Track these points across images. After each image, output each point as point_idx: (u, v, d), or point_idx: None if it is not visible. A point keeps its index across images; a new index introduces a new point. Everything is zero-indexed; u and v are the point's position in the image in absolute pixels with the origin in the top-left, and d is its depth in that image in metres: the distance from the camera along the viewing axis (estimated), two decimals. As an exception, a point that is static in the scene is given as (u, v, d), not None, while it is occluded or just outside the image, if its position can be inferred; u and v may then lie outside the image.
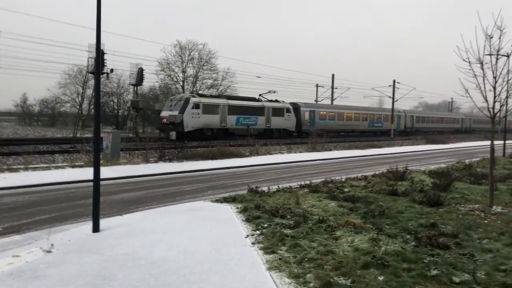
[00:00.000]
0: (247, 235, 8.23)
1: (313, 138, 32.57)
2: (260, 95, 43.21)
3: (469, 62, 10.93)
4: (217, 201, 11.75)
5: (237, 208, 10.64)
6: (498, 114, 11.49)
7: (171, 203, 11.70)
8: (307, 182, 14.19)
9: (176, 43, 54.12)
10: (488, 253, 7.38)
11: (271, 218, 9.43)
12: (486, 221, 9.73)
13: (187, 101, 33.92)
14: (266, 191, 12.69)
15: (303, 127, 44.35)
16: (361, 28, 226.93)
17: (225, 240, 7.92)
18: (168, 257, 6.87)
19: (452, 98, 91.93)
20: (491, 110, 11.29)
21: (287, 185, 14.01)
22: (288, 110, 42.68)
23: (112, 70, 36.42)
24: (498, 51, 10.87)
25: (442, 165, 21.48)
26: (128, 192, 13.38)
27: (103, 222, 8.80)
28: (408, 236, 8.23)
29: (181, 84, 55.06)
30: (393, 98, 55.16)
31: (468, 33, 10.99)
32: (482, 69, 10.93)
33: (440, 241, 7.74)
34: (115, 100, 58.45)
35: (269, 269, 6.37)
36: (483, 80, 11.00)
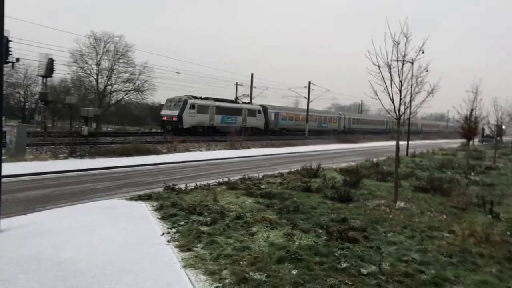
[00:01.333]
0: (163, 233, 8.04)
1: (232, 136, 32.77)
2: (236, 98, 50.45)
3: (379, 66, 11.63)
4: (131, 199, 11.35)
5: (153, 206, 10.36)
6: (402, 116, 12.34)
7: (81, 202, 11.10)
8: (225, 179, 14.22)
9: (90, 34, 51.34)
10: (392, 246, 7.90)
11: (188, 215, 9.32)
12: (391, 216, 10.41)
13: (185, 102, 39.29)
14: (183, 188, 12.50)
15: (270, 126, 50.55)
16: (282, 30, 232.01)
17: (139, 239, 7.67)
18: (77, 258, 6.48)
19: (362, 100, 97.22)
20: (397, 111, 12.10)
21: (205, 182, 13.92)
22: (259, 112, 48.89)
23: (18, 59, 34.02)
24: (404, 56, 11.68)
25: (352, 163, 22.62)
26: (34, 190, 12.48)
27: (5, 222, 8.12)
28: (320, 231, 8.56)
29: (95, 77, 52.47)
30: (308, 99, 57.20)
31: (379, 39, 11.69)
32: (390, 73, 11.68)
33: (350, 235, 8.15)
34: (22, 92, 54.20)
35: (185, 266, 6.28)
36: (391, 83, 11.76)
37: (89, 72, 52.72)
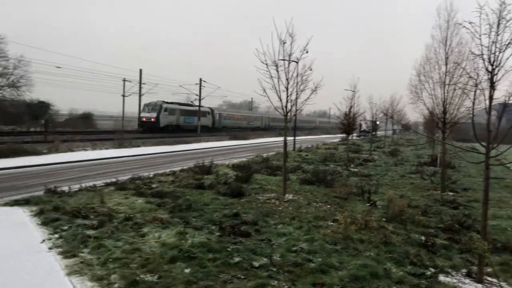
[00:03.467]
0: (43, 240, 7.41)
1: (120, 134, 31.37)
2: (191, 101, 59.77)
3: (267, 64, 11.97)
4: (6, 204, 10.28)
5: (32, 211, 9.48)
6: (289, 113, 12.86)
7: None
8: (113, 180, 13.58)
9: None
10: (282, 237, 8.21)
11: (72, 219, 8.70)
12: (280, 208, 10.82)
13: (161, 106, 49.73)
14: (66, 191, 11.66)
15: (215, 125, 62.50)
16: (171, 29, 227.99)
17: (15, 247, 6.98)
18: None
19: (252, 98, 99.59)
20: (284, 108, 12.58)
21: (91, 183, 13.14)
22: (208, 113, 61.12)
23: None
24: (290, 55, 12.17)
25: (244, 159, 23.10)
26: None
27: None
28: (213, 227, 8.58)
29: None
30: (199, 96, 57.01)
31: (267, 39, 12.03)
32: (277, 71, 12.10)
33: (242, 229, 8.30)
34: None
35: (69, 274, 5.85)
36: (278, 81, 12.18)
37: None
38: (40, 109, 49.71)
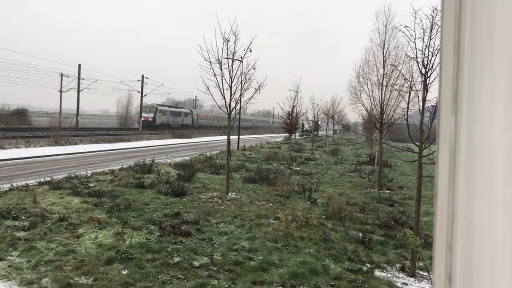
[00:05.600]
0: (-33, 244, 6.92)
1: (56, 131, 29.93)
2: (176, 104, 71.93)
3: (210, 62, 11.89)
4: None
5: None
6: (233, 111, 12.86)
7: None
8: (48, 179, 12.93)
9: None
10: (224, 236, 8.19)
11: (1, 221, 8.18)
12: (223, 207, 10.79)
13: (156, 109, 58.84)
14: (-5, 190, 10.96)
15: (194, 123, 70.24)
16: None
17: None
18: None
19: (196, 96, 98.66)
20: (227, 107, 12.55)
21: (23, 183, 12.42)
22: (189, 114, 70.45)
23: None
24: (234, 53, 12.16)
25: (187, 158, 22.81)
26: None
27: None
28: (153, 227, 8.40)
29: None
30: (141, 93, 55.74)
31: (211, 35, 11.94)
32: (221, 69, 12.05)
33: (183, 228, 8.18)
34: None
35: (-5, 279, 5.50)
36: (222, 79, 12.13)
37: None
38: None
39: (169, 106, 66.75)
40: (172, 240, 7.57)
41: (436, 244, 0.51)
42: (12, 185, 11.85)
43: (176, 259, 6.63)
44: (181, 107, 73.13)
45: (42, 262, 6.15)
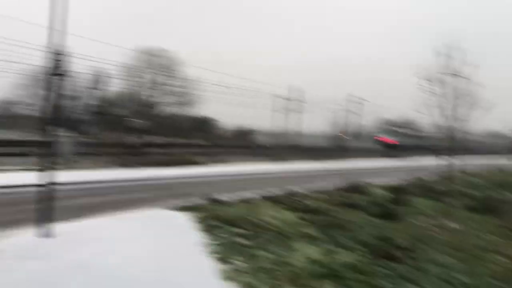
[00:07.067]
0: (204, 244, 8.12)
1: (276, 150, 32.54)
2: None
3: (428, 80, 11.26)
4: (173, 209, 11.52)
5: (197, 217, 10.43)
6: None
7: (128, 211, 11.37)
8: (267, 194, 14.17)
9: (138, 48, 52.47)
10: (439, 266, 7.58)
11: (230, 228, 9.31)
12: (439, 235, 10.01)
13: (397, 131, 58.96)
14: (225, 200, 12.57)
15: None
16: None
17: (181, 249, 7.79)
18: (121, 266, 6.66)
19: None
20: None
21: (248, 195, 13.92)
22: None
23: (67, 72, 35.25)
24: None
25: (395, 179, 21.85)
26: (83, 198, 12.93)
27: (56, 228, 8.44)
28: (364, 249, 8.32)
29: (146, 92, 53.86)
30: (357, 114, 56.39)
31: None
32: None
33: (395, 254, 7.89)
34: (78, 104, 56.43)
35: (224, 278, 6.30)
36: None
37: (139, 86, 54.07)
38: (204, 123, 54.74)
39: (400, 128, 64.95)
40: (382, 264, 7.39)
41: None
42: (237, 196, 13.39)
43: (388, 286, 6.44)
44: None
45: (260, 269, 6.76)
